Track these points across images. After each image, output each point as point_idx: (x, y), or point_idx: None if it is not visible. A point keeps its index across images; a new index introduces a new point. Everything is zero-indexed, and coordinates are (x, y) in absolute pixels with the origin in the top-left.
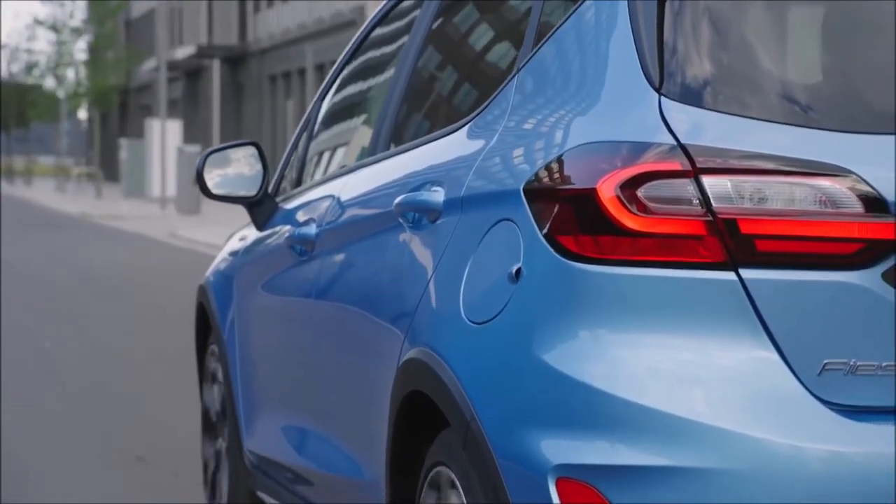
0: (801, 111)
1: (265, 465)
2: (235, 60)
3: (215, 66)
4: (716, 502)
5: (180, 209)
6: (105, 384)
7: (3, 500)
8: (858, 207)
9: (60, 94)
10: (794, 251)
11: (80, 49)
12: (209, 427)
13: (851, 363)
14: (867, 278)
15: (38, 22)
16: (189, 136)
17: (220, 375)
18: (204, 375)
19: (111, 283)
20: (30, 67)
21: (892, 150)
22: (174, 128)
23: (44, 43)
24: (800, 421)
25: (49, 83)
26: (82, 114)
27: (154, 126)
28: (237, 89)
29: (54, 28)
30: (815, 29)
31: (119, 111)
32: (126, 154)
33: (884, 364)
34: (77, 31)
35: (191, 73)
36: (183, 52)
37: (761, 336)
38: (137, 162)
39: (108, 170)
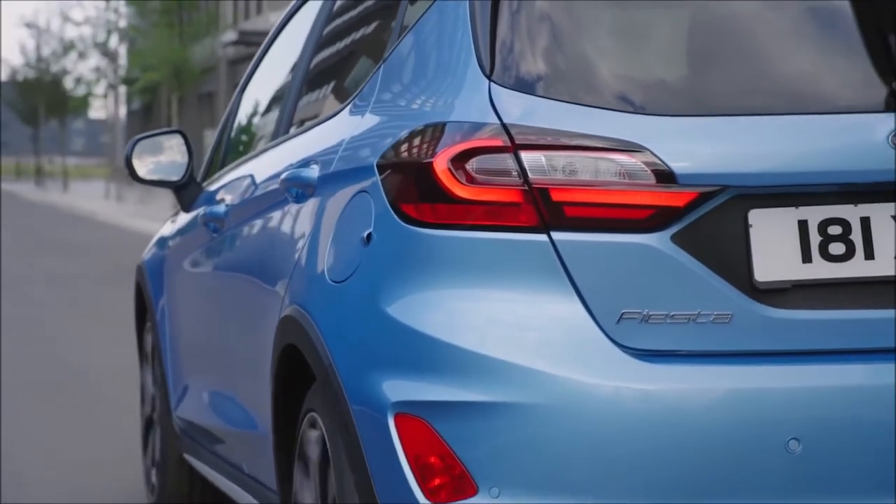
0: (609, 97)
1: (190, 429)
2: None
3: None
4: (528, 432)
5: None
6: None
7: (3, 500)
8: (651, 179)
9: (108, 76)
10: (598, 216)
11: (131, 17)
12: (150, 431)
13: (644, 313)
14: (659, 240)
15: None
16: None
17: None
18: (143, 374)
19: None
20: (67, 48)
21: (682, 129)
22: None
23: (91, 10)
24: (599, 363)
25: (91, 63)
26: (113, 107)
27: None
28: None
29: None
30: (625, 24)
31: (166, 101)
32: None
33: (672, 313)
34: None
35: None
36: (263, 21)
37: (569, 290)
38: None
39: None
